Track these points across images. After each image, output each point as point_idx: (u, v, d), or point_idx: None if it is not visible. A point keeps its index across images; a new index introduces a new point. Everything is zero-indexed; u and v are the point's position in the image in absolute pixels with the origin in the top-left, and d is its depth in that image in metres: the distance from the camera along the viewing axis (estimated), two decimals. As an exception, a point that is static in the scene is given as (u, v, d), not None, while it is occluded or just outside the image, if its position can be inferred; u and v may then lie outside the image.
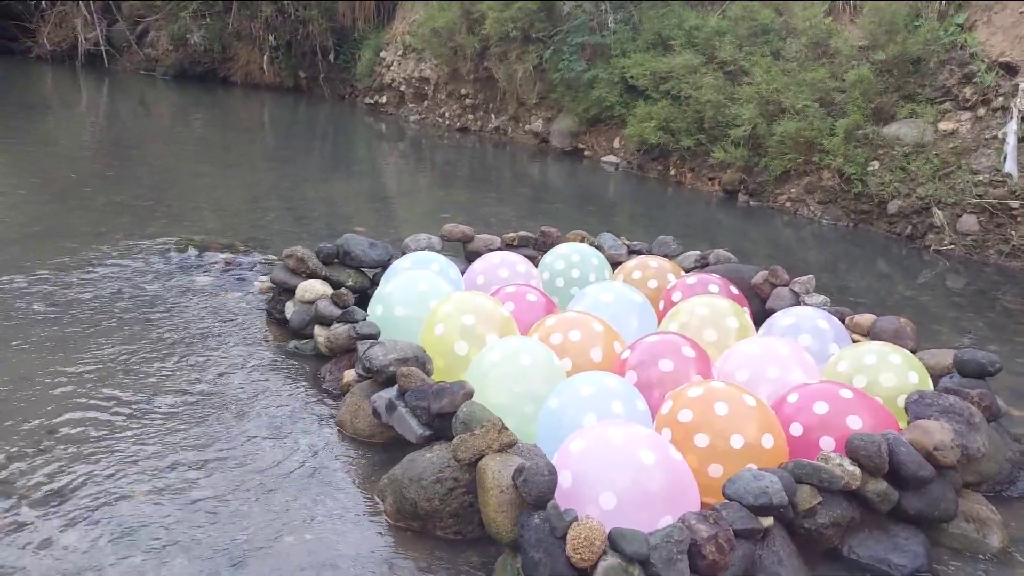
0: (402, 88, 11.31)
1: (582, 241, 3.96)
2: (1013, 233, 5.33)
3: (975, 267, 5.33)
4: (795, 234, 6.22)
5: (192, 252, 4.45)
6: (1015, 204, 5.34)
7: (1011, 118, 5.50)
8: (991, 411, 2.57)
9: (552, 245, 3.92)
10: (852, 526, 2.21)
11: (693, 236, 4.26)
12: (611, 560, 1.83)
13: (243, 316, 3.64)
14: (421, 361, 2.64)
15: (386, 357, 2.61)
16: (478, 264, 3.55)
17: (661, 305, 3.30)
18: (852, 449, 2.21)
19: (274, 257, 4.46)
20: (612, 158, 8.41)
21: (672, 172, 7.70)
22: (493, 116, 10.07)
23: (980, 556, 2.26)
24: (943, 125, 5.90)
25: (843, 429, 2.33)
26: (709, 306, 3.00)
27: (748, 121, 6.70)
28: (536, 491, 1.94)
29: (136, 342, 3.25)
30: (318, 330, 3.21)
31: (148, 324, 3.44)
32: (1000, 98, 5.67)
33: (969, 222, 5.53)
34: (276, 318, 3.56)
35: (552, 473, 1.97)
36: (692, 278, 3.32)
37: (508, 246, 3.94)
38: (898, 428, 2.38)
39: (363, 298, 3.49)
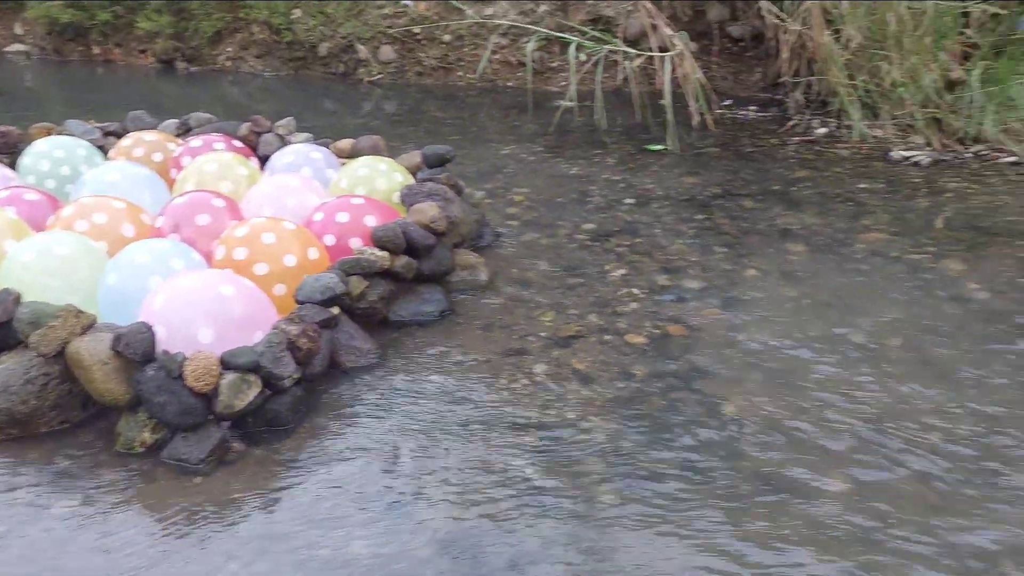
0: None
1: (49, 134, 3.73)
2: (423, 55, 6.38)
3: (401, 90, 6.29)
4: (243, 91, 6.49)
5: None
6: (417, 30, 6.36)
7: (396, -44, 6.41)
8: (457, 188, 3.38)
9: (16, 144, 3.63)
10: (392, 296, 2.82)
11: (147, 111, 4.28)
12: (230, 377, 2.14)
13: None
14: (-60, 285, 2.43)
15: None
16: (-62, 180, 3.17)
17: (173, 174, 3.40)
18: (377, 239, 2.78)
19: None
20: (19, 46, 7.47)
21: (97, 51, 7.20)
22: None
23: (477, 289, 3.08)
24: (345, -32, 6.59)
25: (364, 228, 2.88)
26: (216, 161, 3.23)
27: (164, -15, 6.57)
28: (141, 348, 2.11)
29: None
30: None
31: None
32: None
33: (387, 52, 6.43)
34: None
35: (149, 329, 2.14)
36: (197, 141, 3.47)
37: (-38, 155, 3.53)
38: (400, 216, 3.02)
39: None
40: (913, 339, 2.67)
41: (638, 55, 4.96)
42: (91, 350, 2.15)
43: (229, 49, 6.80)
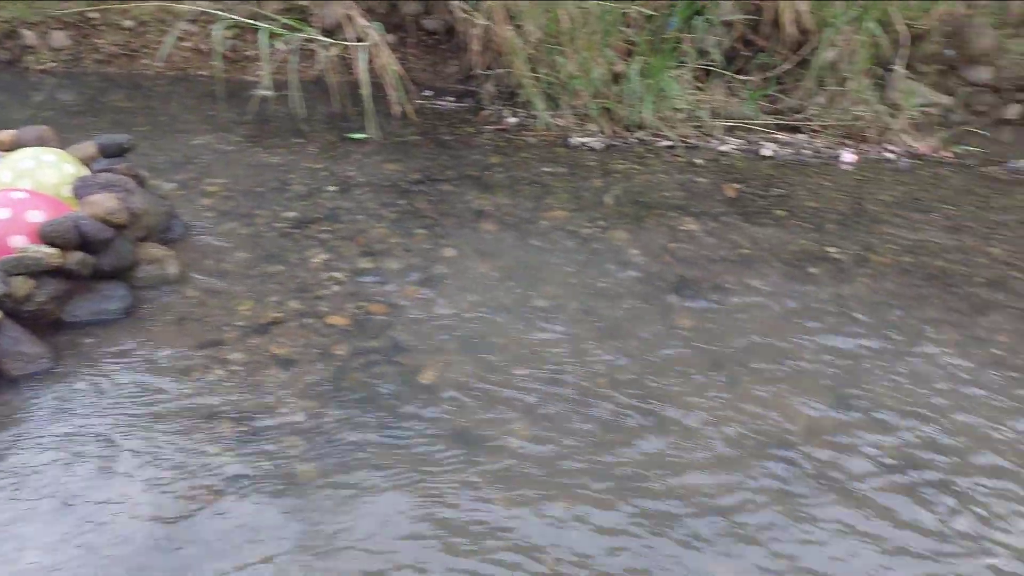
0: None
1: None
2: (100, 42, 5.87)
3: (78, 79, 5.74)
4: None
5: None
6: (94, 15, 5.84)
7: (62, -69, 5.82)
8: (138, 178, 3.19)
9: None
10: (66, 296, 2.61)
11: None
12: None
13: None
14: None
15: None
16: None
17: None
18: (46, 235, 2.56)
19: None
20: None
21: None
22: None
23: (166, 283, 2.94)
24: (-1, -59, 5.86)
25: (29, 225, 2.63)
26: None
27: None
28: None
29: None
30: None
31: None
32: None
33: (60, 38, 5.83)
34: None
35: None
36: None
37: None
38: (72, 209, 2.79)
39: None
40: (586, 301, 2.99)
41: (333, 44, 4.98)
42: None
43: None
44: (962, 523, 2.03)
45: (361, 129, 4.76)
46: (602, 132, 4.84)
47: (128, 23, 5.87)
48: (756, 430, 2.31)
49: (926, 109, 5.17)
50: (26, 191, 2.75)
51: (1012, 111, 5.34)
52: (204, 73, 5.87)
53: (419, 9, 5.97)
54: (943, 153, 4.85)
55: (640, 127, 4.87)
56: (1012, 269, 3.38)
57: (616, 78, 4.93)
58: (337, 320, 2.79)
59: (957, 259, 3.44)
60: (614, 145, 4.73)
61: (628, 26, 5.10)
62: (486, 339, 2.72)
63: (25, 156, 3.01)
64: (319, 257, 3.23)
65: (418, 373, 2.52)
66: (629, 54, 5.04)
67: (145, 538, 1.83)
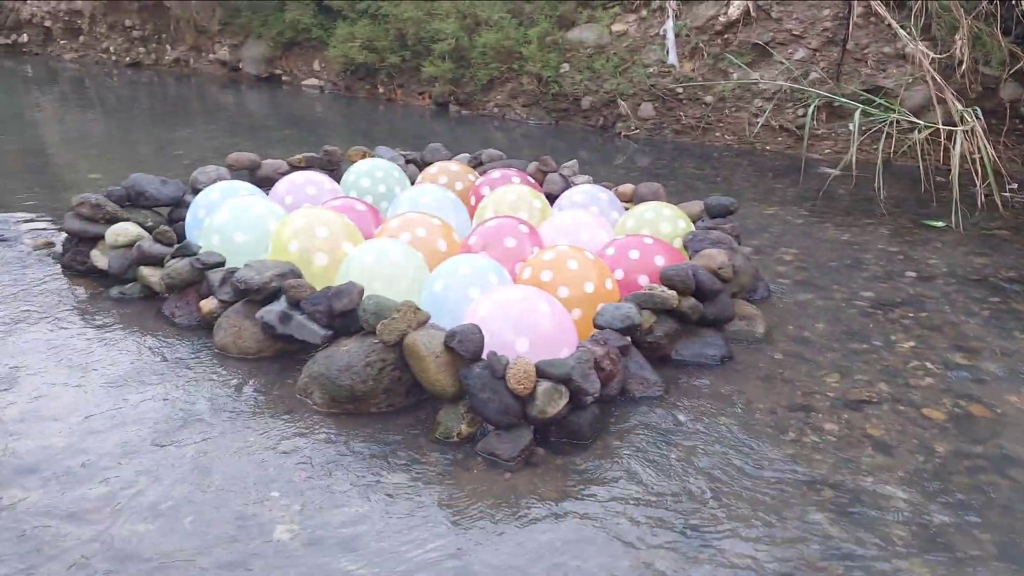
0: (47, 23, 10.03)
1: (364, 156, 4.20)
2: (682, 114, 6.52)
3: (657, 146, 6.43)
4: (507, 136, 6.91)
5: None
6: (680, 89, 6.51)
7: (668, 16, 6.62)
8: (739, 239, 3.42)
9: (337, 163, 4.12)
10: (676, 335, 2.89)
11: (420, 147, 4.66)
12: (544, 384, 2.30)
13: (35, 275, 3.39)
14: (296, 274, 2.81)
15: (263, 275, 2.73)
16: (282, 185, 3.65)
17: (473, 200, 3.73)
18: (667, 278, 2.88)
19: (24, 215, 4.09)
20: (314, 81, 8.44)
21: (381, 90, 7.98)
22: (169, 47, 9.42)
23: (754, 340, 3.08)
24: (616, 27, 6.90)
25: (653, 267, 2.99)
26: (515, 193, 3.49)
27: (450, 35, 7.18)
28: (472, 348, 2.32)
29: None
30: (147, 271, 3.16)
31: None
32: (657, 0, 6.78)
33: (647, 109, 6.62)
34: (78, 270, 3.38)
35: (479, 331, 2.35)
36: (496, 173, 3.80)
37: (294, 168, 4.06)
38: (686, 259, 3.10)
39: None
40: None
41: (927, 127, 4.78)
42: (427, 343, 2.39)
43: (499, 96, 7.29)
44: None
45: (938, 216, 4.48)
46: None
47: (708, 99, 6.41)
48: None
49: None
50: (653, 239, 3.14)
51: None
52: (770, 148, 6.12)
53: (1020, 93, 5.44)
54: None
55: None
56: None
57: None
58: (933, 413, 2.62)
59: None
60: None
61: None
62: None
63: (648, 208, 3.44)
64: (905, 344, 3.09)
65: (1032, 493, 2.12)
66: None
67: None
